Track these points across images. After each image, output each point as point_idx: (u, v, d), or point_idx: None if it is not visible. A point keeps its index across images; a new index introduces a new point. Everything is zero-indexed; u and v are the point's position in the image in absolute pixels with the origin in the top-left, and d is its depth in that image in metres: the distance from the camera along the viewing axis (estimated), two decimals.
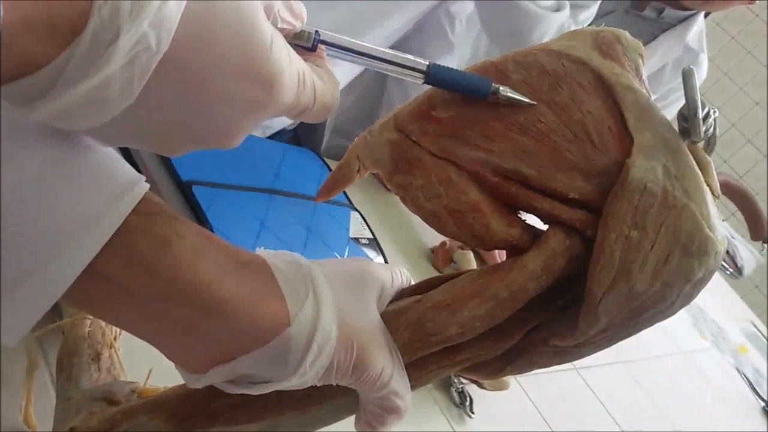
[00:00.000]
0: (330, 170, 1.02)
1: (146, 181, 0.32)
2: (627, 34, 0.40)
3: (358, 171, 0.40)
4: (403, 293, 0.40)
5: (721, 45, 3.23)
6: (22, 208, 0.28)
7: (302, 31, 0.33)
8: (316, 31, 0.33)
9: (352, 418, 0.40)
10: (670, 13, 1.42)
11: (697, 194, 0.37)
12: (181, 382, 0.37)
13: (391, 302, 0.39)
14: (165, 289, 0.31)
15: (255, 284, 0.33)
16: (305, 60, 0.33)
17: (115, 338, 0.55)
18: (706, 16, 1.50)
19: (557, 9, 1.15)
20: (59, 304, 0.59)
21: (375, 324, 0.36)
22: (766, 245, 2.09)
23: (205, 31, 0.27)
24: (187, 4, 0.25)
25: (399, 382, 0.36)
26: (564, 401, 1.09)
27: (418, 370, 0.38)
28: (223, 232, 0.74)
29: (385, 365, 0.35)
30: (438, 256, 1.06)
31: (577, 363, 1.13)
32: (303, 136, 1.23)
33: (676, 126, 0.40)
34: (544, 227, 0.39)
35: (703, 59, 1.50)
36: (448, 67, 0.35)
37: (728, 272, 2.18)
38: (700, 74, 1.51)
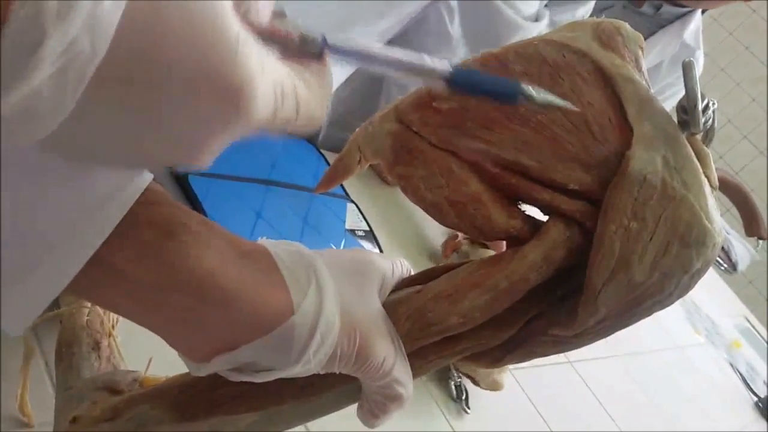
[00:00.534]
0: (327, 162, 1.02)
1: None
2: (627, 25, 0.40)
3: (359, 162, 0.40)
4: (403, 284, 0.40)
5: (719, 41, 3.24)
6: (25, 199, 0.28)
7: (304, 35, 0.28)
8: (323, 36, 0.29)
9: (352, 414, 0.40)
10: (667, 9, 1.43)
11: (696, 186, 0.37)
12: (182, 370, 0.38)
13: (391, 292, 0.39)
14: (169, 278, 0.31)
15: (258, 273, 0.33)
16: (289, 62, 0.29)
17: (113, 326, 0.55)
18: (703, 12, 1.50)
19: (536, 19, 1.16)
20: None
21: (377, 313, 0.36)
22: (761, 241, 2.09)
23: (151, 35, 0.22)
24: (127, 3, 0.22)
25: (401, 370, 0.36)
26: (559, 395, 1.09)
27: (418, 360, 0.38)
28: (220, 223, 0.74)
29: (387, 354, 0.35)
30: (446, 246, 1.05)
31: (572, 357, 1.14)
32: None
33: (675, 118, 0.40)
34: (544, 218, 0.39)
35: (700, 56, 1.50)
36: (473, 71, 0.33)
37: (723, 268, 2.19)
38: (699, 69, 1.52)
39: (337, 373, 0.35)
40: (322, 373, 0.35)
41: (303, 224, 0.86)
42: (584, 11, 1.29)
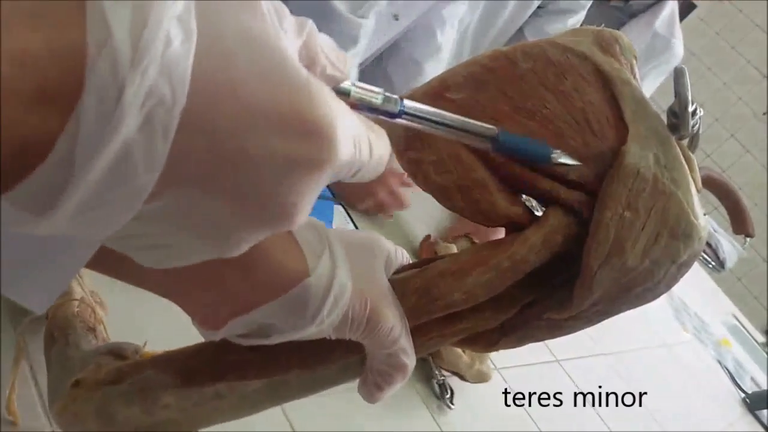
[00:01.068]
0: None
1: None
2: (624, 36, 0.43)
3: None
4: (403, 269, 0.42)
5: (705, 41, 3.26)
6: None
7: (388, 95, 0.30)
8: (402, 98, 0.31)
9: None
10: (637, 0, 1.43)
11: (684, 184, 0.40)
12: None
13: (392, 275, 0.41)
14: None
15: (274, 238, 0.33)
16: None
17: (102, 323, 0.56)
18: (689, 10, 1.50)
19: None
20: None
21: (385, 284, 0.38)
22: (748, 239, 2.10)
23: (226, 80, 0.22)
24: (197, 51, 0.21)
25: (407, 341, 0.38)
26: (546, 393, 1.09)
27: (420, 336, 0.39)
28: None
29: (395, 322, 0.36)
30: (423, 248, 1.07)
31: (560, 355, 1.15)
32: None
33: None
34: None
35: (676, 44, 1.49)
36: (514, 135, 0.36)
37: (711, 265, 2.20)
38: (675, 58, 1.50)
39: (348, 338, 0.36)
40: (333, 337, 0.36)
41: None
42: (574, 21, 1.30)
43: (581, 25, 1.28)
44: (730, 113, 3.26)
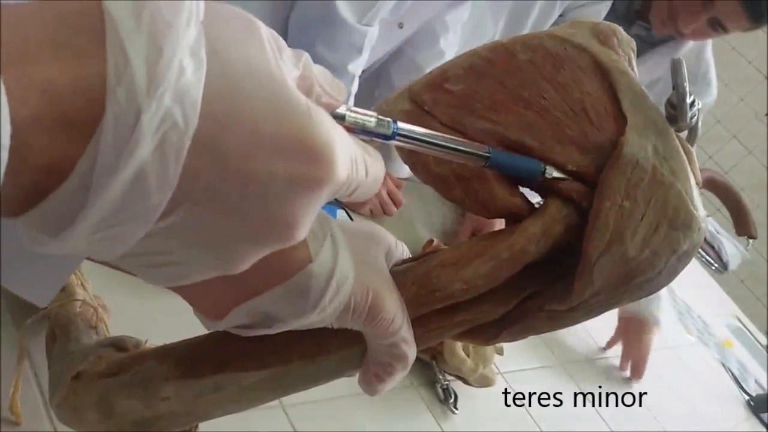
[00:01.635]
0: None
1: None
2: (621, 29, 0.44)
3: None
4: (403, 263, 0.42)
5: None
6: None
7: (381, 118, 0.32)
8: (395, 121, 0.32)
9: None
10: None
11: (683, 175, 0.40)
12: None
13: (392, 267, 0.41)
14: None
15: None
16: None
17: (105, 324, 0.56)
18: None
19: None
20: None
21: (386, 274, 0.38)
22: (751, 240, 2.09)
23: (233, 106, 0.24)
24: (206, 79, 0.23)
25: (408, 331, 0.38)
26: (549, 396, 1.09)
27: (419, 328, 0.39)
28: None
29: (397, 312, 0.37)
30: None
31: (562, 358, 1.14)
32: None
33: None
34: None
35: (706, 76, 1.43)
36: (505, 153, 0.38)
37: (713, 267, 2.20)
38: (710, 94, 1.46)
39: (349, 328, 0.36)
40: (335, 326, 0.36)
41: None
42: None
43: None
44: (731, 114, 3.26)
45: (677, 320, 1.74)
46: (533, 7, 1.25)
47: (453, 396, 0.91)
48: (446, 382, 0.91)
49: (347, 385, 0.79)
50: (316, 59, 0.32)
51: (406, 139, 0.33)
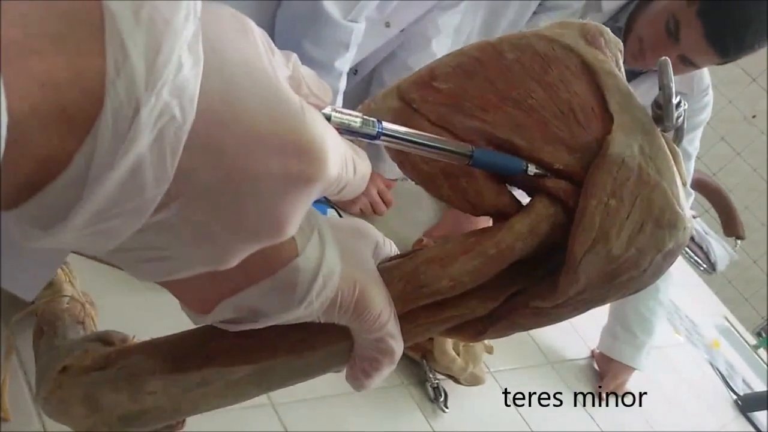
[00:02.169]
0: None
1: None
2: (608, 30, 0.44)
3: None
4: (391, 259, 0.42)
5: None
6: None
7: (366, 118, 0.32)
8: (380, 121, 0.33)
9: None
10: None
11: (668, 175, 0.40)
12: None
13: (379, 264, 0.41)
14: None
15: None
16: None
17: (92, 319, 0.56)
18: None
19: None
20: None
21: (373, 270, 0.38)
22: (739, 241, 2.10)
23: (229, 102, 0.24)
24: (203, 75, 0.23)
25: (395, 326, 0.38)
26: (539, 397, 1.09)
27: (408, 323, 0.39)
28: None
29: (384, 307, 0.37)
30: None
31: (552, 357, 1.15)
32: None
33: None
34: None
35: (703, 99, 1.40)
36: (488, 151, 0.38)
37: (702, 268, 2.21)
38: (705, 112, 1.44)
39: (336, 322, 0.36)
40: (322, 320, 0.36)
41: None
42: (566, 15, 1.31)
43: None
44: (720, 116, 3.28)
45: (666, 320, 1.75)
46: (509, 6, 1.26)
47: (443, 395, 0.91)
48: (436, 381, 0.91)
49: (338, 383, 0.79)
50: (303, 56, 0.32)
51: (390, 139, 0.33)
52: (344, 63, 1.03)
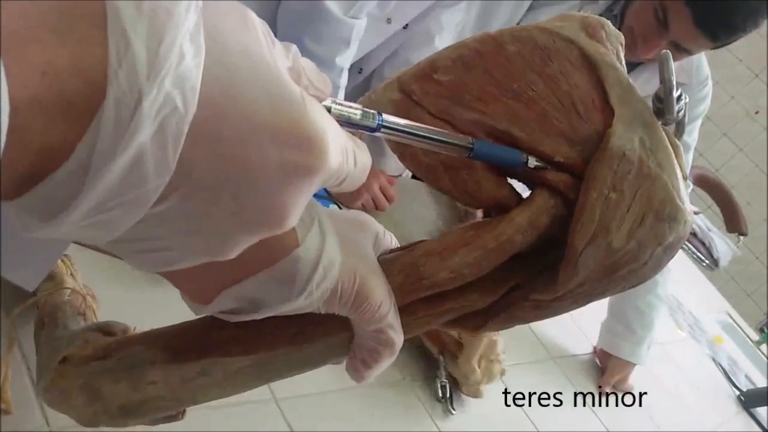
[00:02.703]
0: None
1: None
2: (609, 23, 0.44)
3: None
4: (391, 252, 0.42)
5: None
6: None
7: (366, 110, 0.32)
8: (380, 113, 0.33)
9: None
10: None
11: (669, 168, 0.40)
12: None
13: (379, 257, 0.41)
14: None
15: None
16: None
17: (93, 312, 0.56)
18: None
19: None
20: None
21: (374, 261, 0.38)
22: (741, 237, 2.10)
23: (230, 93, 0.24)
24: (204, 65, 0.23)
25: (395, 318, 0.38)
26: (541, 392, 1.09)
27: (407, 316, 0.40)
28: None
29: (384, 298, 0.37)
30: None
31: (554, 353, 1.14)
32: None
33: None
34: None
35: (702, 89, 1.39)
36: (488, 143, 0.38)
37: (705, 264, 2.20)
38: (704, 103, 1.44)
39: (337, 313, 0.36)
40: (322, 311, 0.36)
41: None
42: (566, 8, 1.31)
43: None
44: (722, 112, 3.27)
45: (668, 316, 1.75)
46: (501, 5, 1.26)
47: (450, 394, 0.91)
48: (444, 381, 0.91)
49: (341, 378, 0.79)
50: (304, 52, 0.32)
51: (390, 131, 0.33)
52: (345, 59, 1.03)
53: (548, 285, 0.40)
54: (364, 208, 1.10)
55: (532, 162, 0.39)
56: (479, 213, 0.44)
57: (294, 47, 0.29)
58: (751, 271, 3.31)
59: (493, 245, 0.38)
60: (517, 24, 1.33)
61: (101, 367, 0.37)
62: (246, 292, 0.34)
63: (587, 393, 1.19)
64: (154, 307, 0.64)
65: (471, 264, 0.38)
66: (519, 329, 1.02)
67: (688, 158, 1.35)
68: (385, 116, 0.33)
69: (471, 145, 0.36)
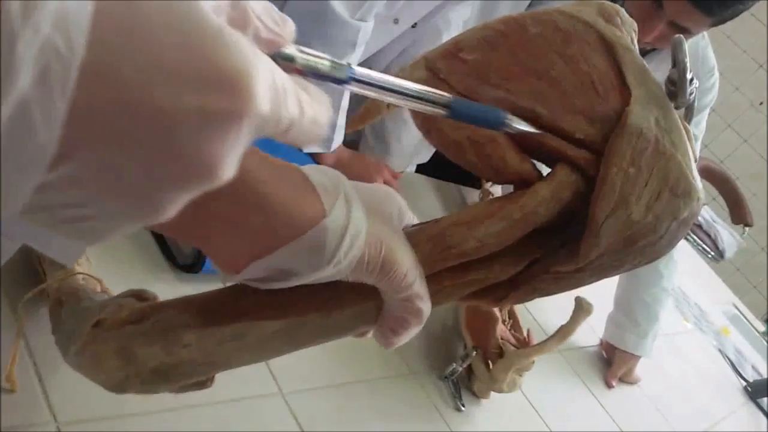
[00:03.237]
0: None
1: None
2: (623, 10, 0.46)
3: (388, 106, 0.45)
4: (413, 227, 0.43)
5: None
6: None
7: (335, 61, 0.30)
8: (350, 65, 0.30)
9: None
10: None
11: (682, 147, 0.42)
12: None
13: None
14: (217, 189, 0.29)
15: (292, 182, 0.35)
16: None
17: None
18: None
19: None
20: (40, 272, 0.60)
21: (399, 230, 0.39)
22: (746, 228, 2.09)
23: (131, 29, 0.21)
24: (98, 3, 0.21)
25: (422, 287, 0.39)
26: (554, 389, 1.09)
27: (434, 285, 0.41)
28: None
29: (410, 266, 0.38)
30: None
31: (562, 345, 1.14)
32: None
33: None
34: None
35: (709, 80, 1.39)
36: (467, 102, 0.36)
37: (710, 255, 2.20)
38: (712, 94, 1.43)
39: (365, 281, 0.37)
40: (350, 279, 0.37)
41: None
42: None
43: None
44: (727, 103, 3.27)
45: (674, 308, 1.75)
46: (501, 4, 1.25)
47: (460, 392, 0.91)
48: (459, 369, 0.91)
49: (348, 372, 0.79)
50: None
51: (362, 84, 0.31)
52: (352, 62, 1.02)
53: (569, 257, 0.42)
54: None
55: (512, 120, 0.37)
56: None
57: None
58: (756, 262, 3.31)
59: (518, 216, 0.40)
60: None
61: (135, 331, 0.38)
62: (276, 262, 0.34)
63: (594, 385, 1.19)
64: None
65: (497, 234, 0.40)
66: (525, 321, 1.01)
67: (696, 149, 1.34)
68: (357, 68, 0.30)
69: (449, 103, 0.34)
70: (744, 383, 1.71)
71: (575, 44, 0.42)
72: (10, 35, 0.19)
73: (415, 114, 0.42)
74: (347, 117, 1.14)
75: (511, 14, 0.43)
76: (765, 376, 1.81)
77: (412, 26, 1.17)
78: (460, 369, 0.90)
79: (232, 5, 0.26)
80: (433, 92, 0.34)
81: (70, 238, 0.26)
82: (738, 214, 2.15)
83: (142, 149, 0.22)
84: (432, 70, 0.42)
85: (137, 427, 0.59)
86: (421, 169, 1.42)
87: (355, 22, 0.98)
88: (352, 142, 1.18)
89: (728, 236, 2.17)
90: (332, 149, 1.08)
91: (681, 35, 0.44)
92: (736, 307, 2.21)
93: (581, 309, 0.89)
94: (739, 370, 1.75)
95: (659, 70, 1.34)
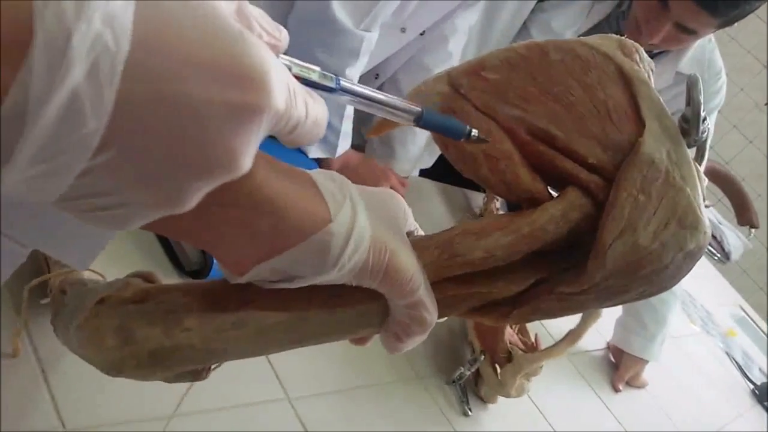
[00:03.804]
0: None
1: None
2: (643, 50, 0.48)
3: None
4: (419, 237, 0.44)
5: None
6: None
7: (323, 72, 0.32)
8: (338, 76, 0.33)
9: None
10: None
11: (692, 182, 0.43)
12: None
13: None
14: (224, 193, 0.30)
15: (299, 187, 0.35)
16: None
17: None
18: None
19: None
20: (42, 262, 0.60)
21: (404, 235, 0.40)
22: (753, 230, 2.09)
23: (164, 29, 0.23)
24: (137, 2, 0.23)
25: (427, 295, 0.39)
26: (560, 392, 1.08)
27: (437, 294, 0.41)
28: None
29: (415, 272, 0.38)
30: None
31: (569, 349, 1.13)
32: None
33: None
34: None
35: (716, 82, 1.40)
36: (436, 113, 0.39)
37: (716, 257, 2.19)
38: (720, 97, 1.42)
39: (369, 287, 0.38)
40: (354, 284, 0.37)
41: None
42: (579, 8, 1.29)
43: None
44: (731, 104, 3.26)
45: (681, 310, 1.74)
46: (505, 6, 1.25)
47: (466, 395, 0.91)
48: (466, 373, 0.91)
49: (355, 377, 0.79)
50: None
51: (347, 94, 0.34)
52: (355, 71, 1.03)
53: (575, 278, 0.42)
54: None
55: (475, 134, 0.40)
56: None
57: None
58: (763, 264, 3.29)
59: (526, 230, 0.40)
60: (522, 25, 1.33)
61: (137, 311, 0.38)
62: (281, 265, 0.35)
63: (601, 389, 1.18)
64: None
65: (504, 246, 0.40)
66: (532, 326, 1.01)
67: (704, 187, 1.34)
68: (343, 80, 0.34)
69: (420, 113, 0.37)
70: (752, 386, 1.70)
71: (594, 73, 0.43)
72: (66, 32, 0.21)
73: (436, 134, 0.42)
74: (362, 124, 1.14)
75: (534, 40, 0.45)
76: None
77: (420, 34, 1.17)
78: (468, 373, 0.89)
79: (237, 11, 0.28)
80: (405, 103, 0.37)
81: (99, 226, 0.28)
82: (744, 215, 2.14)
83: (172, 139, 0.24)
84: (454, 85, 0.44)
85: None
86: (425, 173, 1.42)
87: (359, 32, 0.98)
88: (357, 147, 1.18)
89: (734, 238, 2.17)
90: (337, 155, 1.09)
91: (697, 74, 0.46)
92: (743, 309, 2.20)
93: (590, 313, 0.89)
94: (747, 372, 1.75)
95: (665, 72, 1.34)
